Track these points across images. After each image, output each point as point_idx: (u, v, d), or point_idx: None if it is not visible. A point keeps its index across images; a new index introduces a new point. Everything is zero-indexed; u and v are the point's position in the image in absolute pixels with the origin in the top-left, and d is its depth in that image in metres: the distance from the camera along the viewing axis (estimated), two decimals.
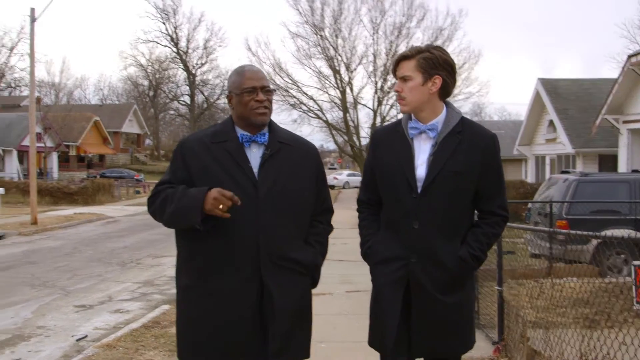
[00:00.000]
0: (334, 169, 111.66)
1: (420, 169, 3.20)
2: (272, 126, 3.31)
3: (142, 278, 11.89)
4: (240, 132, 3.24)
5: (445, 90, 3.25)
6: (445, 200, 3.15)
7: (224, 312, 3.08)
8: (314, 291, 9.50)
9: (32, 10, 23.02)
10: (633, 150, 20.00)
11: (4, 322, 8.35)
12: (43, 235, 20.31)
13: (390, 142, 3.33)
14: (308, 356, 3.28)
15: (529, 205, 13.68)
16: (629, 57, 18.73)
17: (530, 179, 30.29)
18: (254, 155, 3.21)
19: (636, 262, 3.82)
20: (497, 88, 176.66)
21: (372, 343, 3.37)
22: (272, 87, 3.27)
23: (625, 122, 20.12)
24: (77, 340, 7.37)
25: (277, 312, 3.08)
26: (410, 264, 3.18)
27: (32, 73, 23.84)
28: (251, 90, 3.19)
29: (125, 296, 10.24)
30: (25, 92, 74.14)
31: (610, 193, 11.30)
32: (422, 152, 3.23)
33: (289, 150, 3.27)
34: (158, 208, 3.18)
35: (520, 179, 31.85)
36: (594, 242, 10.07)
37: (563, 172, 14.06)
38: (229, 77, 3.40)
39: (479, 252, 3.20)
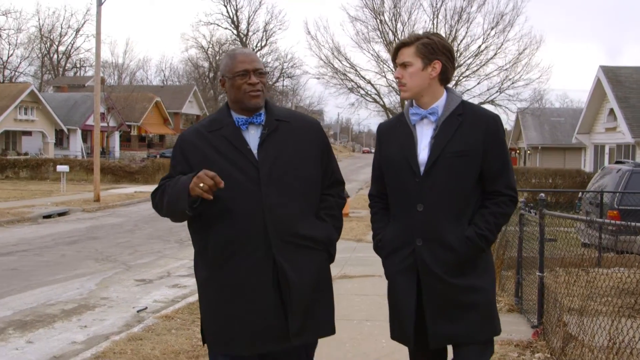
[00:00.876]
0: None
1: (423, 153, 3.21)
2: (268, 106, 3.27)
3: None
4: (236, 116, 3.21)
5: (445, 75, 3.28)
6: (449, 181, 3.15)
7: (243, 299, 3.05)
8: (366, 272, 9.86)
9: None
10: None
11: (71, 292, 8.90)
12: (105, 212, 21.11)
13: (394, 133, 3.36)
14: (333, 332, 3.24)
15: (579, 194, 13.63)
16: None
17: (589, 168, 29.87)
18: (253, 137, 3.18)
19: None
20: (560, 74, 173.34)
21: (394, 336, 3.34)
22: (265, 69, 3.25)
23: None
24: (138, 311, 7.84)
25: (293, 290, 3.04)
26: (416, 249, 3.16)
27: (97, 55, 24.62)
28: (243, 74, 3.15)
29: (182, 272, 10.70)
30: (90, 73, 76.15)
31: None
32: (424, 137, 3.25)
33: (288, 127, 3.23)
34: (158, 202, 3.20)
35: (577, 167, 31.43)
36: None
37: (617, 162, 13.95)
38: (221, 61, 3.36)
39: (486, 231, 3.15)
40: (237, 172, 3.05)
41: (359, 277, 9.38)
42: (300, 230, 3.11)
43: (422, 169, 3.18)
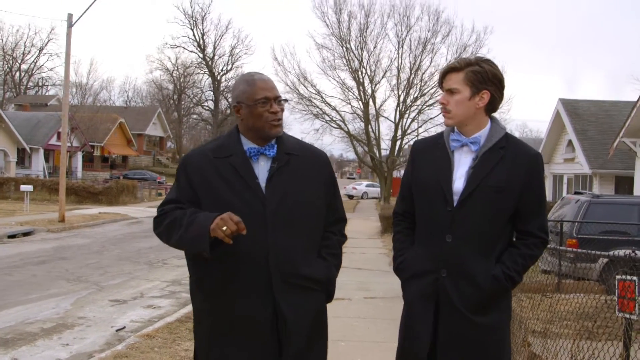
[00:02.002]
0: (353, 178, 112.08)
1: (458, 182, 3.09)
2: (281, 136, 3.13)
3: (170, 277, 12.50)
4: (247, 145, 3.08)
5: (492, 106, 3.16)
6: (482, 215, 3.03)
7: (239, 334, 2.97)
8: (337, 294, 10.21)
9: (70, 15, 23.84)
10: None
11: (47, 312, 9.02)
12: (70, 232, 21.04)
13: (430, 154, 3.24)
14: None
15: None
16: None
17: (548, 197, 30.62)
18: (262, 169, 3.05)
19: (618, 277, 4.33)
20: (520, 104, 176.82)
21: (400, 356, 3.25)
22: (285, 97, 3.10)
23: None
24: (117, 330, 8.02)
25: (292, 334, 2.96)
26: (440, 279, 3.07)
27: (66, 77, 24.71)
28: (265, 101, 3.02)
29: (155, 293, 10.87)
30: (52, 92, 75.74)
31: (620, 215, 11.79)
32: (461, 165, 3.13)
33: (298, 161, 3.11)
34: (164, 231, 3.04)
35: None
36: (602, 261, 10.54)
37: (576, 193, 14.54)
38: (236, 86, 3.17)
39: (514, 272, 3.04)
40: (242, 206, 2.94)
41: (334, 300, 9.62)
42: (302, 271, 3.01)
43: (455, 198, 3.07)
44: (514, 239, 3.17)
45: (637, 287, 4.09)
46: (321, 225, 3.16)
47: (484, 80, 3.09)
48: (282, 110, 3.08)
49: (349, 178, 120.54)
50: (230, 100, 72.54)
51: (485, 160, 3.08)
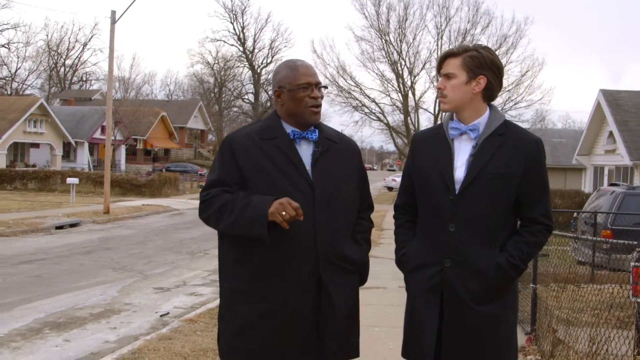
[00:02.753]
0: (393, 170, 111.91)
1: (459, 171, 3.08)
2: (319, 123, 3.21)
3: (211, 267, 12.82)
4: (289, 128, 3.13)
5: (490, 92, 3.15)
6: (484, 203, 3.02)
7: (281, 315, 2.99)
8: (371, 284, 10.55)
9: (113, 12, 24.48)
10: None
11: (95, 298, 9.48)
12: (115, 224, 21.64)
13: (430, 145, 3.23)
14: (359, 355, 3.23)
15: (574, 214, 14.23)
16: None
17: (588, 188, 30.40)
18: (304, 153, 3.11)
19: (633, 264, 4.53)
20: (563, 95, 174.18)
21: (407, 355, 3.21)
22: (325, 84, 3.15)
23: None
24: (161, 315, 8.42)
25: (337, 312, 3.02)
26: (444, 270, 3.05)
27: (110, 72, 25.34)
28: (306, 86, 3.09)
29: (197, 281, 11.27)
30: (96, 86, 77.25)
31: None
32: (461, 153, 3.12)
33: (337, 148, 3.19)
34: (214, 215, 3.04)
35: (575, 188, 32.01)
36: (636, 252, 10.60)
37: (612, 185, 14.55)
38: (278, 70, 3.23)
39: (518, 260, 3.01)
40: (290, 187, 3.00)
41: (364, 289, 9.87)
42: (344, 252, 3.10)
43: (457, 187, 3.05)
44: (518, 227, 3.16)
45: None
46: (356, 211, 3.25)
47: (480, 65, 3.09)
48: (322, 97, 3.16)
49: (389, 170, 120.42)
50: (270, 92, 73.72)
51: (485, 147, 3.07)
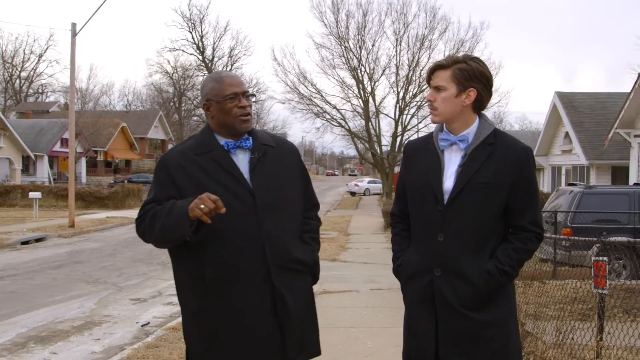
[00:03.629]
0: (354, 175, 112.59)
1: (449, 181, 3.10)
2: (252, 129, 3.22)
3: None
4: (222, 140, 3.14)
5: (480, 104, 3.16)
6: (473, 212, 3.04)
7: (242, 326, 3.02)
8: (344, 288, 10.95)
9: (74, 25, 24.43)
10: None
11: (74, 311, 9.60)
12: (81, 237, 21.57)
13: (420, 155, 3.25)
14: (320, 353, 3.28)
15: None
16: None
17: (547, 188, 31.19)
18: (242, 161, 3.13)
19: (593, 258, 4.91)
20: (519, 97, 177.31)
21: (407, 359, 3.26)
22: (249, 91, 3.18)
23: (636, 135, 21.09)
24: (142, 325, 8.60)
25: (293, 315, 3.06)
26: (434, 279, 3.08)
27: (72, 85, 25.28)
28: (233, 97, 3.10)
29: (172, 291, 11.36)
30: (52, 98, 76.21)
31: (611, 204, 12.37)
32: (451, 164, 3.13)
33: (274, 152, 3.21)
34: (147, 226, 3.04)
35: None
36: (595, 248, 11.09)
37: (570, 184, 15.12)
38: (204, 84, 3.25)
39: (507, 267, 3.03)
40: (231, 198, 2.99)
41: (338, 292, 10.23)
42: (294, 254, 3.12)
43: (446, 197, 3.08)
44: (508, 235, 3.15)
45: (607, 266, 4.63)
46: (300, 211, 3.28)
47: (470, 77, 3.10)
48: (251, 105, 3.16)
49: (350, 175, 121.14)
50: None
51: (473, 158, 3.08)
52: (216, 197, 2.85)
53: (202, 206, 2.81)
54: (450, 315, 3.05)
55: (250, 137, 3.17)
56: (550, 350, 5.52)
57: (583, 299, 7.92)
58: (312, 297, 3.28)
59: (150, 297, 10.87)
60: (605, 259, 4.83)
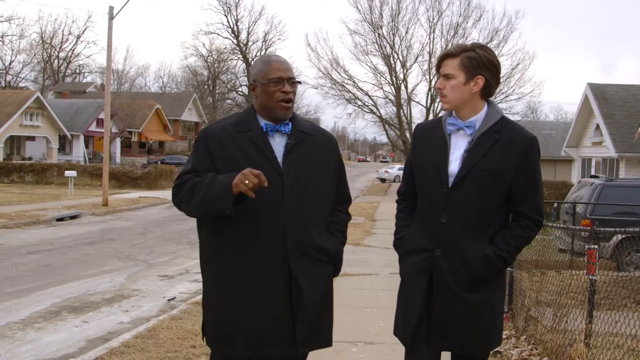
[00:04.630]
0: (386, 161, 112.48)
1: (454, 165, 3.17)
2: (294, 116, 3.27)
3: None
4: (263, 121, 3.20)
5: (488, 91, 3.23)
6: (476, 197, 3.12)
7: (254, 303, 3.08)
8: (365, 271, 11.35)
9: (111, 8, 24.97)
10: None
11: (105, 285, 10.09)
12: (114, 216, 22.20)
13: (429, 137, 3.33)
14: (331, 344, 3.32)
15: (554, 205, 14.94)
16: None
17: (576, 180, 31.08)
18: (278, 145, 3.19)
19: (587, 247, 5.17)
20: (555, 86, 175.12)
21: (396, 332, 3.38)
22: (298, 79, 3.24)
23: None
24: (168, 300, 9.04)
25: (306, 301, 3.10)
26: (434, 257, 3.17)
27: (108, 68, 25.92)
28: (277, 81, 3.15)
29: (199, 269, 11.77)
30: (89, 78, 77.45)
31: (631, 197, 12.51)
32: (457, 148, 3.21)
33: (311, 141, 3.25)
34: (185, 196, 3.11)
35: (564, 179, 32.74)
36: (614, 240, 11.26)
37: (592, 177, 15.24)
38: (254, 65, 3.33)
39: (505, 253, 3.13)
40: None
41: (358, 275, 10.57)
42: (316, 241, 3.16)
43: (451, 180, 3.17)
44: (509, 221, 3.25)
45: (597, 253, 4.89)
46: (331, 202, 3.33)
47: (478, 65, 3.17)
48: (294, 92, 3.21)
49: (382, 161, 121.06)
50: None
51: (479, 144, 3.16)
52: (258, 171, 2.92)
53: (247, 181, 2.89)
54: (445, 294, 3.15)
55: (290, 123, 3.23)
56: (549, 333, 5.81)
57: (596, 289, 8.15)
58: (330, 288, 3.30)
59: (177, 274, 11.32)
60: (596, 247, 5.09)
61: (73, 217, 21.07)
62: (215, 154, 3.14)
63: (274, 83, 3.15)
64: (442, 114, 3.41)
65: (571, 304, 6.93)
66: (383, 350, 6.12)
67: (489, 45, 41.18)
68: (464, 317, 3.14)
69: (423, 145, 3.34)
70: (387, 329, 6.96)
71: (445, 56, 3.26)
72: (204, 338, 3.27)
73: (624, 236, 10.68)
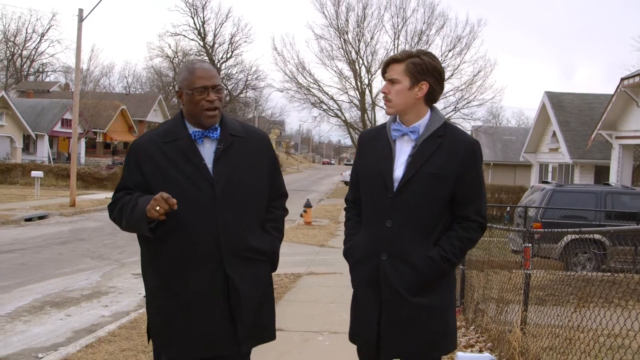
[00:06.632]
0: (350, 164, 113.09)
1: (399, 170, 3.19)
2: (223, 120, 3.26)
3: None
4: (191, 129, 3.19)
5: (432, 96, 3.25)
6: (420, 201, 3.14)
7: (194, 308, 3.10)
8: (329, 270, 12.07)
9: (81, 10, 25.20)
10: (623, 163, 21.94)
11: (82, 282, 10.58)
12: (82, 216, 22.46)
13: (374, 143, 3.34)
14: (274, 338, 3.39)
15: (507, 208, 15.79)
16: (622, 79, 20.58)
17: (533, 184, 32.15)
18: (208, 151, 3.18)
19: (524, 245, 5.92)
20: (516, 92, 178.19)
21: (353, 340, 3.41)
22: (221, 85, 3.23)
23: (617, 137, 22.01)
24: (144, 296, 9.46)
25: (243, 302, 3.14)
26: (381, 263, 3.18)
27: (77, 68, 26.12)
28: (202, 90, 3.13)
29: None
30: (52, 77, 76.86)
31: (580, 202, 13.38)
32: (402, 154, 3.22)
33: (242, 142, 3.25)
34: (116, 217, 3.20)
35: (522, 184, 33.82)
36: (563, 242, 12.07)
37: (543, 182, 16.12)
38: (179, 71, 3.30)
39: (450, 254, 3.16)
40: (191, 187, 3.10)
41: (323, 274, 11.20)
42: (250, 244, 3.19)
43: (395, 185, 3.18)
44: (453, 223, 3.27)
45: (531, 251, 5.58)
46: (265, 201, 3.34)
47: (423, 71, 3.19)
48: (220, 99, 3.18)
49: (346, 164, 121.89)
50: (230, 86, 74.38)
51: (423, 149, 3.18)
52: (168, 195, 2.95)
53: (158, 207, 2.93)
54: (393, 298, 3.17)
55: (219, 128, 3.22)
56: (493, 323, 6.53)
57: (542, 286, 8.88)
58: (269, 284, 3.37)
59: None
60: (530, 245, 5.81)
61: (41, 218, 21.27)
62: (144, 168, 3.16)
63: (198, 92, 3.14)
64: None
65: (516, 299, 7.64)
66: (346, 338, 6.72)
67: (452, 52, 42.34)
68: (414, 320, 3.16)
69: (368, 152, 3.37)
70: (349, 321, 7.59)
71: (391, 61, 3.29)
72: (149, 340, 3.33)
73: (572, 238, 11.51)
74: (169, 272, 3.13)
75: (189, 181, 3.09)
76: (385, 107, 3.33)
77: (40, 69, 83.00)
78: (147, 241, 3.18)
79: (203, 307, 3.11)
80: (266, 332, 3.34)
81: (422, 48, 42.36)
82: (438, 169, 3.15)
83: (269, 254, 3.30)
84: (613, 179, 21.81)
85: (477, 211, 3.25)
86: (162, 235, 3.09)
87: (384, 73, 3.30)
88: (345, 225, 3.53)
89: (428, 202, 3.16)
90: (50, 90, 71.09)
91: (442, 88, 3.30)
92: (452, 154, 3.17)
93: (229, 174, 3.15)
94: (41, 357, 6.22)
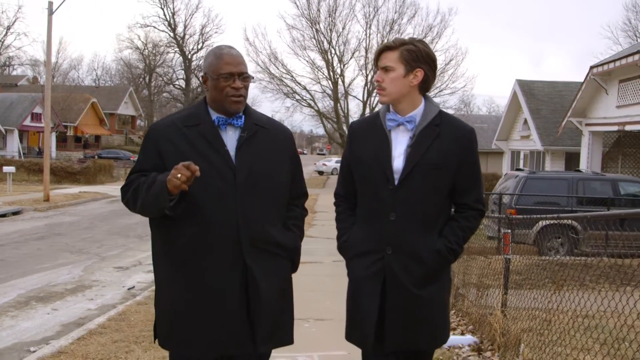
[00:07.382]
0: (323, 154, 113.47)
1: (398, 161, 3.14)
2: (247, 109, 3.17)
3: None
4: (215, 115, 3.10)
5: (426, 84, 3.21)
6: (422, 192, 3.11)
7: (209, 302, 2.96)
8: (309, 260, 12.34)
9: (50, 3, 24.97)
10: (593, 150, 22.40)
11: (64, 277, 10.62)
12: (57, 211, 22.35)
13: (367, 134, 3.27)
14: (292, 342, 3.24)
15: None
16: (591, 67, 20.98)
17: (506, 171, 32.59)
18: (230, 139, 3.08)
19: (503, 230, 6.13)
20: (487, 80, 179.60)
21: (350, 338, 3.32)
22: (250, 73, 3.13)
23: (587, 124, 22.45)
24: (128, 289, 9.66)
25: (263, 298, 3.00)
26: (385, 257, 3.13)
27: (48, 62, 25.94)
28: (228, 77, 3.04)
29: (151, 261, 12.40)
30: (19, 71, 75.80)
31: (552, 188, 13.71)
32: (399, 144, 3.17)
33: (265, 134, 3.16)
34: (131, 198, 3.03)
35: (494, 171, 34.25)
36: (537, 227, 12.36)
37: (517, 170, 16.44)
38: (206, 56, 3.17)
39: (455, 245, 3.15)
40: (213, 173, 2.98)
41: (304, 263, 11.18)
42: (272, 236, 3.08)
43: (396, 177, 3.14)
44: (453, 212, 3.28)
45: (510, 236, 5.79)
46: (286, 196, 3.24)
47: (417, 58, 3.15)
48: (246, 87, 3.10)
49: (319, 154, 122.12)
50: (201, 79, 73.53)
51: (421, 139, 3.14)
52: (189, 162, 2.82)
53: (179, 175, 2.79)
54: (399, 292, 3.13)
55: (243, 116, 3.13)
56: (473, 307, 6.75)
57: (519, 270, 9.14)
58: (289, 284, 3.24)
59: (131, 266, 11.89)
60: (509, 230, 6.04)
61: (16, 213, 21.13)
62: (163, 151, 3.04)
63: (224, 78, 3.04)
64: (379, 107, 3.36)
65: (495, 284, 7.87)
66: (331, 325, 6.92)
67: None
68: (419, 314, 3.15)
69: (362, 143, 3.28)
70: (333, 308, 7.78)
71: (384, 49, 3.22)
72: (156, 340, 3.17)
73: (545, 224, 11.79)
74: (184, 261, 2.99)
75: (210, 166, 2.98)
76: (378, 95, 3.28)
77: (7, 63, 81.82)
78: (162, 225, 3.04)
79: (219, 301, 2.97)
80: (285, 335, 3.21)
81: (395, 37, 42.62)
82: (439, 158, 3.13)
83: (291, 250, 3.19)
84: (583, 165, 22.23)
85: (477, 199, 3.26)
86: (179, 219, 2.96)
87: (376, 61, 3.25)
88: (337, 220, 3.45)
89: (431, 192, 3.14)
90: (18, 84, 70.15)
91: (434, 76, 3.27)
92: (451, 142, 3.15)
93: (251, 163, 3.06)
94: (34, 351, 6.29)
